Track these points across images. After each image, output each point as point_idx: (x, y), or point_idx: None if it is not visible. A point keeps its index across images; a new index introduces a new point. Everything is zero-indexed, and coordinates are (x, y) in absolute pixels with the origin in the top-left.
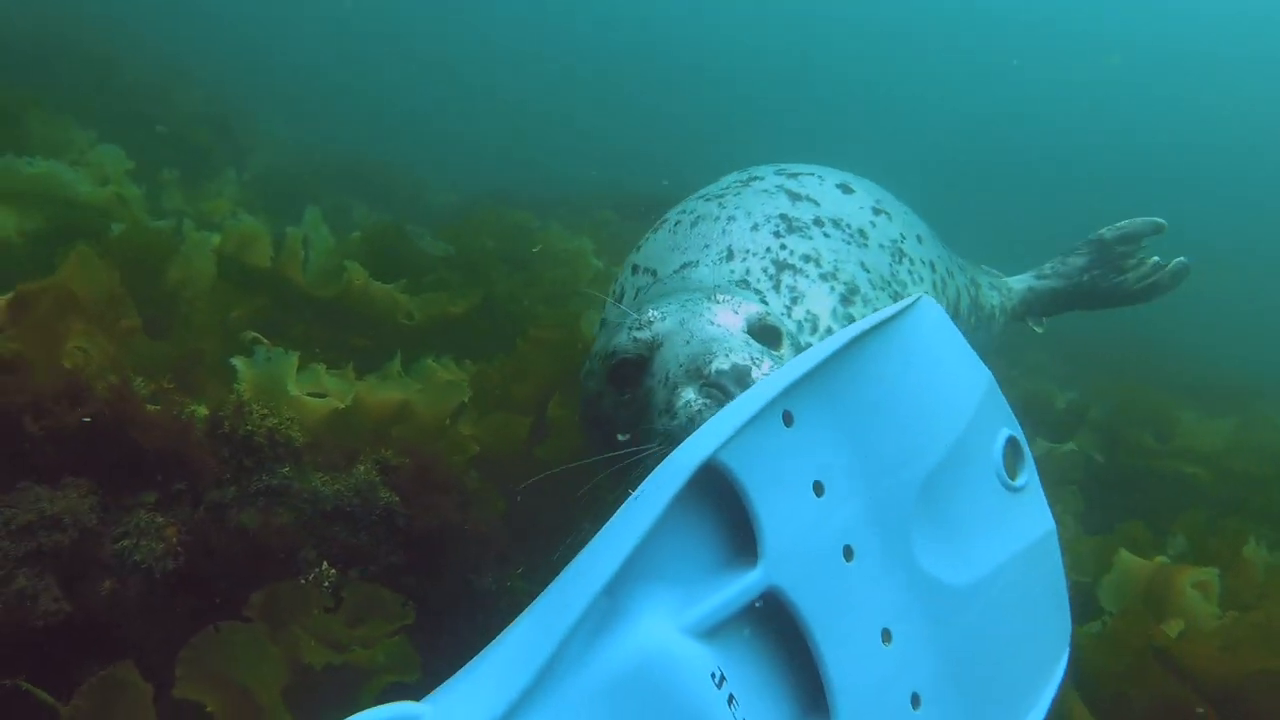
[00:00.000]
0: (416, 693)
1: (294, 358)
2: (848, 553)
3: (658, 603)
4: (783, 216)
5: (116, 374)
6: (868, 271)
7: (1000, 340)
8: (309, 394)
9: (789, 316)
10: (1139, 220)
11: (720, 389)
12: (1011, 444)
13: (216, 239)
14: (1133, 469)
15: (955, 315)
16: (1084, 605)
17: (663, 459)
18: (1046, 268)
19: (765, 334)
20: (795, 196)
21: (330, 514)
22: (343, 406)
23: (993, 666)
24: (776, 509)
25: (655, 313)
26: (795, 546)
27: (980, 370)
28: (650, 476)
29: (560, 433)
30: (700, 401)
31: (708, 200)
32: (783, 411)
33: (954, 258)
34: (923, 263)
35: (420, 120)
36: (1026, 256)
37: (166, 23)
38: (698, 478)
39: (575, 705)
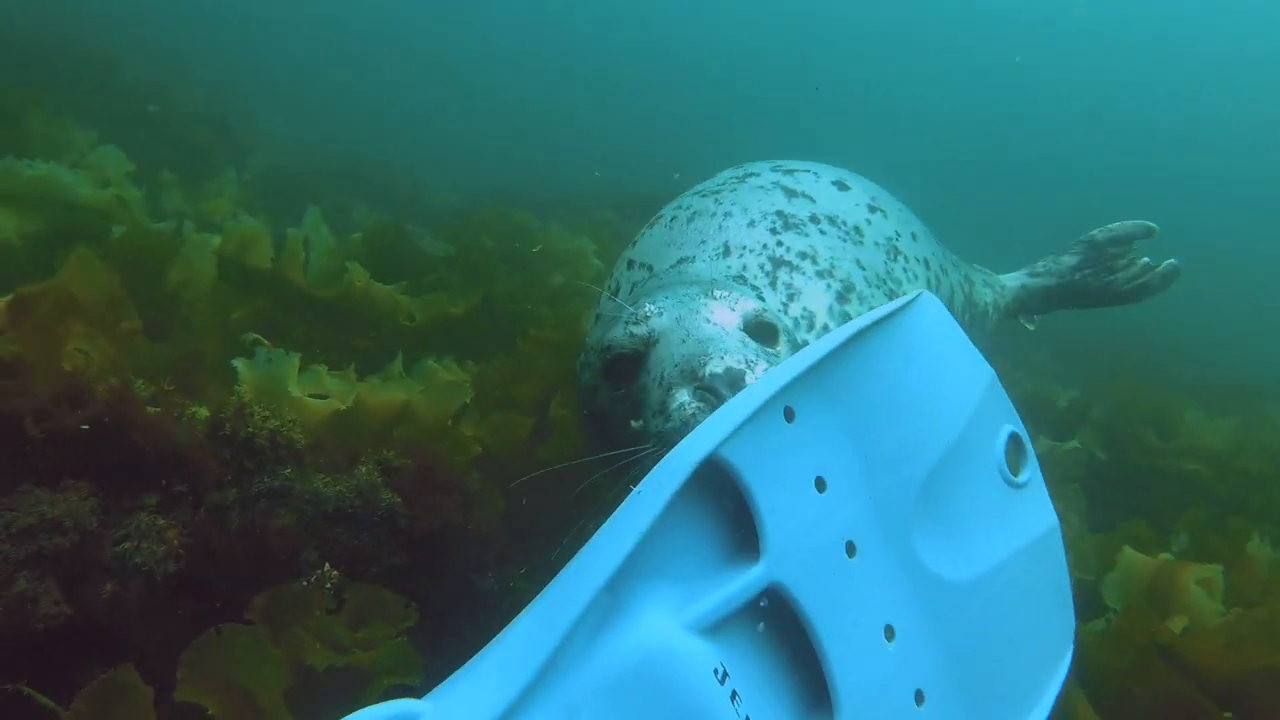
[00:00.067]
0: (419, 694)
1: (295, 359)
2: (850, 549)
3: (660, 599)
4: (779, 213)
5: (117, 376)
6: (863, 269)
7: (1000, 339)
8: (310, 395)
9: (785, 313)
10: (1130, 223)
11: (714, 393)
12: (1014, 440)
13: (217, 240)
14: (1135, 467)
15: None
16: (1088, 602)
17: (659, 460)
18: (1039, 266)
19: (761, 331)
20: (791, 193)
21: (332, 515)
22: (344, 408)
23: (996, 663)
24: (778, 505)
25: (651, 307)
26: (797, 542)
27: (982, 366)
28: (651, 473)
29: (562, 433)
30: (694, 405)
31: (704, 196)
32: (784, 407)
33: (948, 254)
34: (917, 260)
35: (420, 120)
36: (1024, 254)
37: (166, 23)
38: (699, 474)
39: (577, 702)
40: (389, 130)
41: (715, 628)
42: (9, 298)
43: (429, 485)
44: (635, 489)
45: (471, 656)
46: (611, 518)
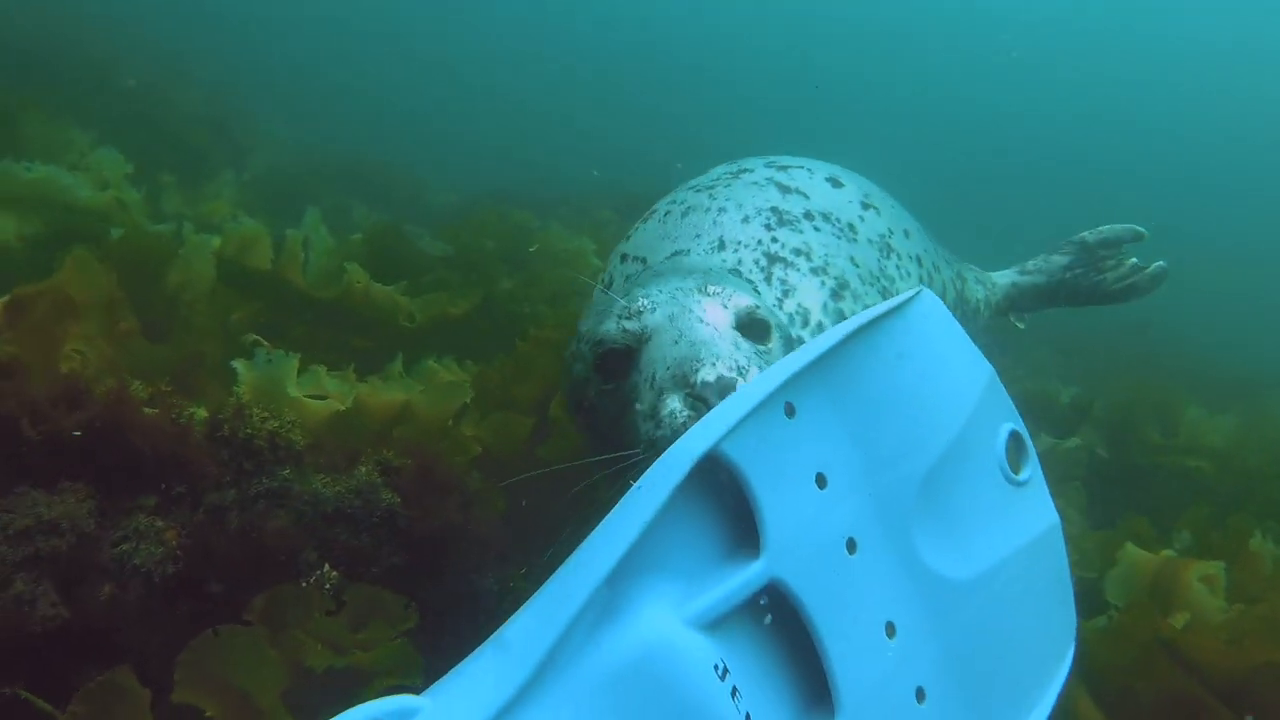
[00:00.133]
0: (418, 694)
1: (294, 360)
2: (850, 545)
3: (660, 595)
4: (774, 209)
5: (114, 377)
6: (857, 266)
7: (1001, 337)
8: (310, 396)
9: (780, 308)
10: (1120, 227)
11: (705, 402)
12: (1014, 438)
13: (216, 242)
14: (1137, 464)
15: None
16: (1090, 600)
17: (650, 465)
18: (1030, 264)
19: (754, 328)
20: (785, 189)
21: (331, 516)
22: (343, 408)
23: (997, 662)
24: (779, 500)
25: (645, 302)
26: (798, 538)
27: (981, 364)
28: (651, 468)
29: (562, 433)
30: (685, 413)
31: (698, 191)
32: (785, 403)
33: (940, 251)
34: (910, 258)
35: (420, 120)
36: (1024, 252)
37: (166, 23)
38: (700, 468)
39: (577, 697)
40: (389, 130)
41: (716, 624)
42: (5, 299)
43: (429, 485)
44: (635, 483)
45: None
46: (612, 512)
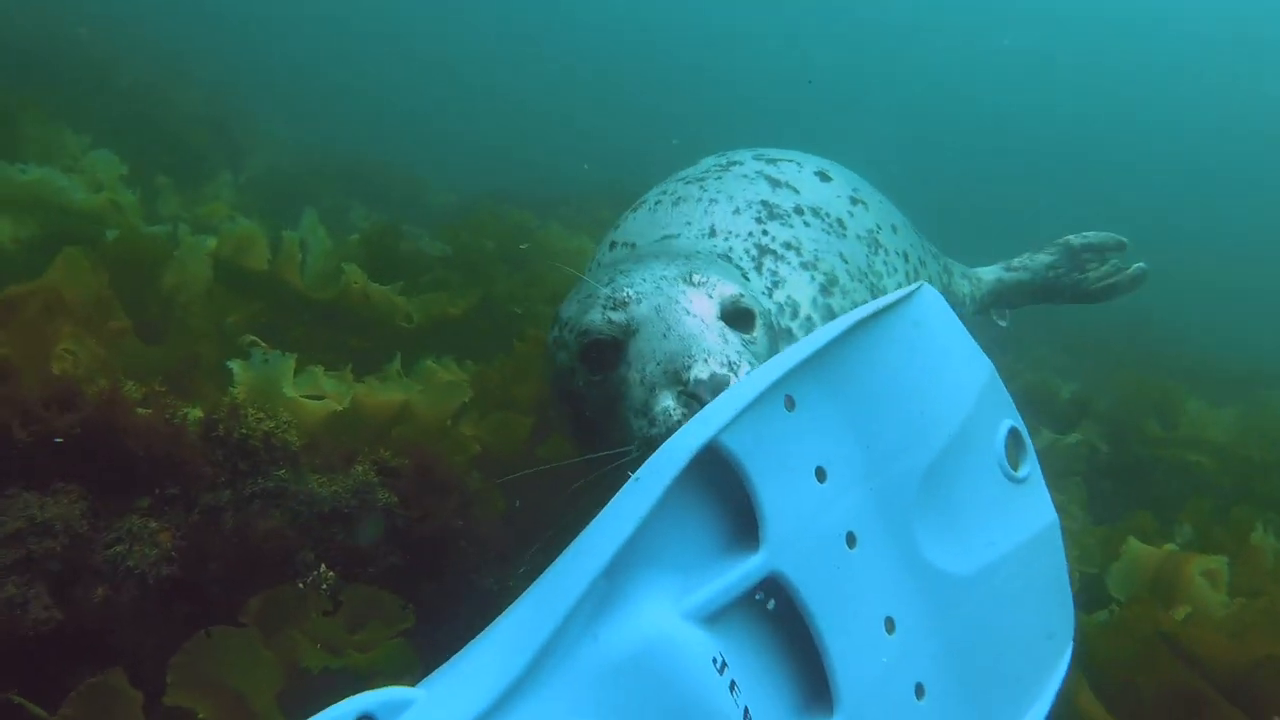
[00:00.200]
0: None
1: (291, 360)
2: (850, 539)
3: (658, 588)
4: (764, 203)
5: (106, 378)
6: (846, 262)
7: (1003, 336)
8: (307, 396)
9: (770, 297)
10: (1104, 234)
11: (699, 400)
12: (1013, 435)
13: (212, 242)
14: (1138, 459)
15: None
16: (1092, 594)
17: (642, 462)
18: (1015, 261)
19: (738, 317)
20: (775, 183)
21: (328, 516)
22: (341, 408)
23: (996, 658)
24: (779, 494)
25: (630, 292)
26: (797, 532)
27: (981, 360)
28: (650, 459)
29: (561, 432)
30: (680, 411)
31: (688, 183)
32: (785, 395)
33: (926, 246)
34: (897, 253)
35: (420, 120)
36: (1024, 248)
37: (166, 23)
38: (699, 461)
39: (573, 689)
40: (389, 130)
41: (714, 617)
42: None
43: (427, 485)
44: (634, 475)
45: None
46: (610, 503)
